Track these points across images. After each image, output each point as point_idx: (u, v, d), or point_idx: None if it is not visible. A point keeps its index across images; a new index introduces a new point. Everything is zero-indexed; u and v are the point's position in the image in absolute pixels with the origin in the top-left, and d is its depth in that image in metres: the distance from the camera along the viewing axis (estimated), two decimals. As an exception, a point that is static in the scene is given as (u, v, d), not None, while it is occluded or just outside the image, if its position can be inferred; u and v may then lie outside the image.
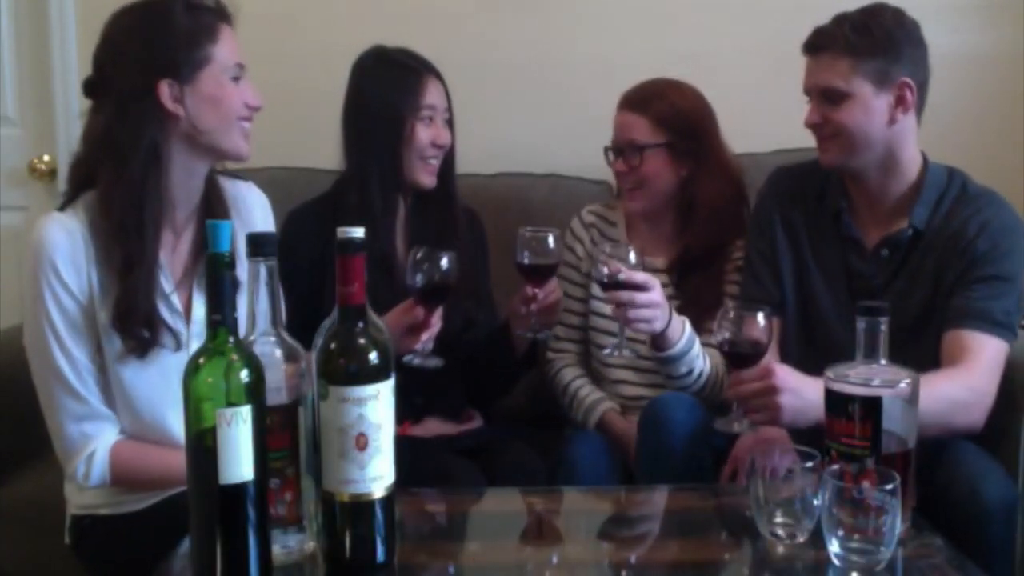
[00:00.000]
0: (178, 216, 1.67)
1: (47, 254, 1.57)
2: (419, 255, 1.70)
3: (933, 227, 1.82)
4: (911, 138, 1.82)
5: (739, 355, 1.60)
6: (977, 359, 1.70)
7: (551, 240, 1.79)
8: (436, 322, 1.74)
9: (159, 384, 1.61)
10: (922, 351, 1.72)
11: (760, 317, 1.59)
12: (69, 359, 1.58)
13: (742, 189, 2.11)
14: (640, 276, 1.75)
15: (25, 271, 1.61)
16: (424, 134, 1.98)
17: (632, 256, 1.76)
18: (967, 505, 1.54)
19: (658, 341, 1.84)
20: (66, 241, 1.58)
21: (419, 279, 1.70)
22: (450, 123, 2.04)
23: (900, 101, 1.77)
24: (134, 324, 1.57)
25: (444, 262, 1.70)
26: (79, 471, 1.60)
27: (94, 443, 1.60)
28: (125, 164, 1.57)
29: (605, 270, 1.76)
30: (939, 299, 1.79)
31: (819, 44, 1.80)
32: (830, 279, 1.90)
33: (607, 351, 1.95)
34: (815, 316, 1.91)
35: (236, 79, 1.63)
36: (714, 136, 2.07)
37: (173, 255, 1.67)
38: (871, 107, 1.76)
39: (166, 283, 1.64)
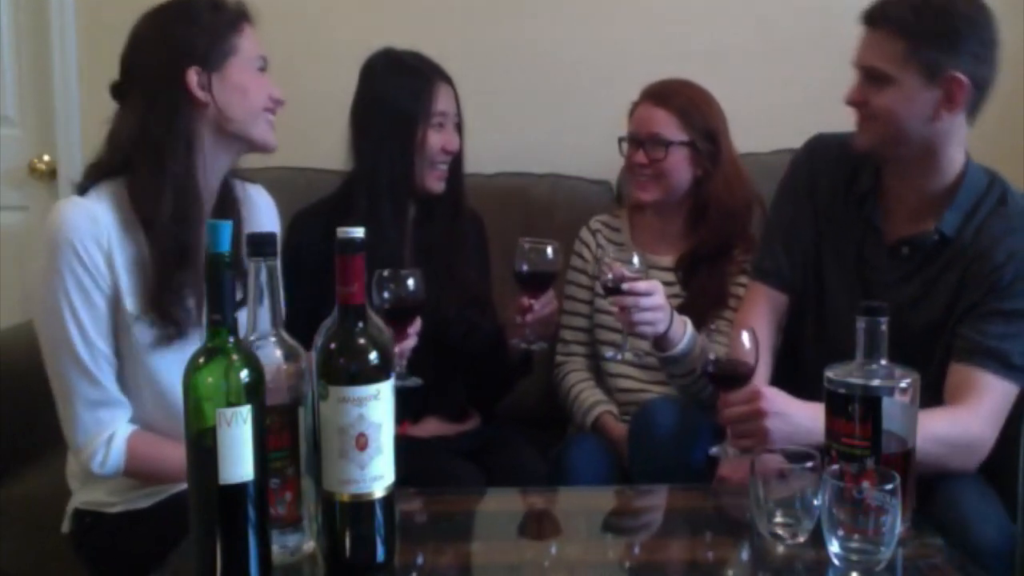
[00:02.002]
0: None
1: (67, 236, 1.55)
2: (384, 274, 1.67)
3: (963, 238, 1.68)
4: (955, 138, 1.68)
5: (725, 376, 1.58)
6: (983, 402, 1.60)
7: (550, 251, 1.78)
8: (412, 335, 1.69)
9: (176, 362, 1.59)
10: (935, 369, 1.64)
11: (745, 338, 1.56)
12: (87, 344, 1.57)
13: (752, 193, 2.11)
14: (643, 284, 1.75)
15: (43, 256, 1.57)
16: (435, 140, 1.97)
17: (636, 260, 1.77)
18: (959, 549, 1.41)
19: (660, 343, 1.84)
20: (89, 225, 1.56)
21: (386, 298, 1.66)
22: (459, 127, 2.04)
23: (948, 98, 1.62)
24: (173, 316, 1.58)
25: (410, 282, 1.67)
26: (96, 458, 1.59)
27: (109, 429, 1.60)
28: (164, 155, 1.58)
29: (609, 275, 1.76)
30: (952, 320, 1.68)
31: (876, 18, 1.65)
32: (842, 263, 1.80)
33: (610, 355, 1.95)
34: (826, 304, 1.83)
35: (261, 70, 1.67)
36: (728, 140, 2.08)
37: None
38: (914, 99, 1.63)
39: None
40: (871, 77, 1.66)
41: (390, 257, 1.92)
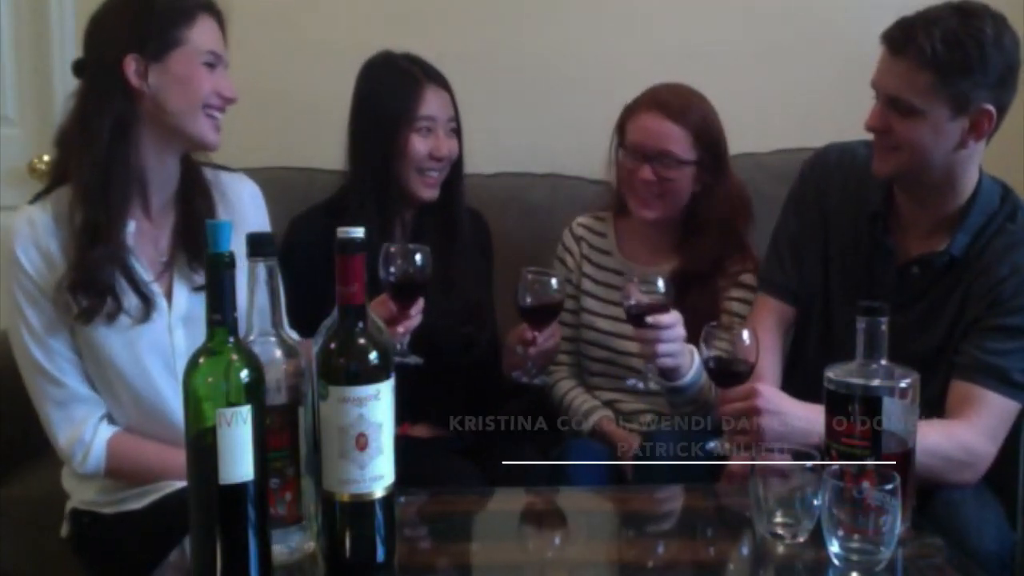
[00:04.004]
0: (154, 203, 1.67)
1: (10, 247, 1.61)
2: (392, 249, 1.66)
3: (969, 257, 1.67)
4: (975, 161, 1.67)
5: (725, 373, 1.58)
6: (982, 419, 1.58)
7: (554, 283, 1.74)
8: (415, 315, 1.67)
9: (143, 354, 1.63)
10: (939, 389, 1.62)
11: (746, 335, 1.57)
12: (41, 345, 1.61)
13: (749, 203, 2.08)
14: (667, 318, 1.71)
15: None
16: (420, 146, 1.94)
17: (660, 284, 1.73)
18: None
19: (669, 372, 1.79)
20: (27, 229, 1.61)
21: (392, 273, 1.65)
22: (458, 132, 2.00)
23: (975, 127, 1.60)
24: (94, 292, 1.58)
25: (418, 257, 1.66)
26: (76, 457, 1.62)
27: (84, 426, 1.62)
28: (91, 134, 1.58)
29: (633, 301, 1.73)
30: (955, 337, 1.67)
31: (900, 44, 1.58)
32: (850, 280, 1.78)
33: (632, 383, 1.87)
34: (833, 320, 1.81)
35: (210, 66, 1.63)
36: (727, 153, 2.04)
37: (152, 244, 1.67)
38: (943, 130, 1.59)
39: (143, 271, 1.64)
40: (895, 106, 1.60)
41: (375, 264, 1.91)
